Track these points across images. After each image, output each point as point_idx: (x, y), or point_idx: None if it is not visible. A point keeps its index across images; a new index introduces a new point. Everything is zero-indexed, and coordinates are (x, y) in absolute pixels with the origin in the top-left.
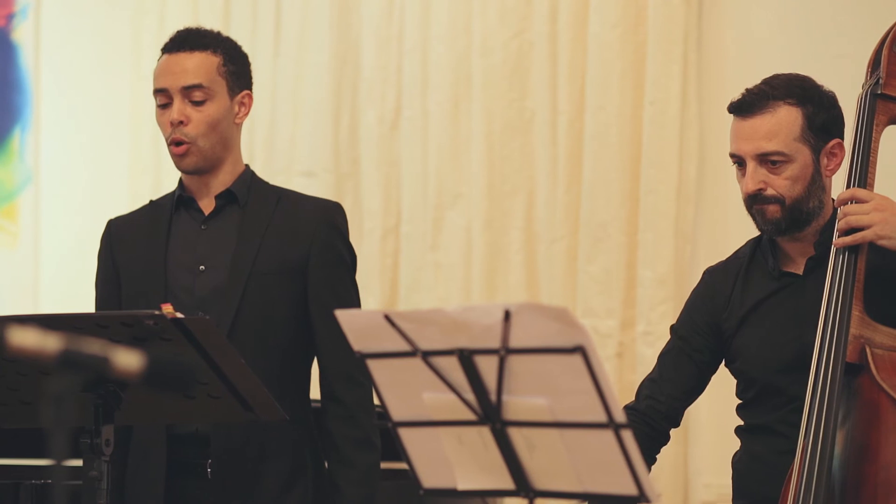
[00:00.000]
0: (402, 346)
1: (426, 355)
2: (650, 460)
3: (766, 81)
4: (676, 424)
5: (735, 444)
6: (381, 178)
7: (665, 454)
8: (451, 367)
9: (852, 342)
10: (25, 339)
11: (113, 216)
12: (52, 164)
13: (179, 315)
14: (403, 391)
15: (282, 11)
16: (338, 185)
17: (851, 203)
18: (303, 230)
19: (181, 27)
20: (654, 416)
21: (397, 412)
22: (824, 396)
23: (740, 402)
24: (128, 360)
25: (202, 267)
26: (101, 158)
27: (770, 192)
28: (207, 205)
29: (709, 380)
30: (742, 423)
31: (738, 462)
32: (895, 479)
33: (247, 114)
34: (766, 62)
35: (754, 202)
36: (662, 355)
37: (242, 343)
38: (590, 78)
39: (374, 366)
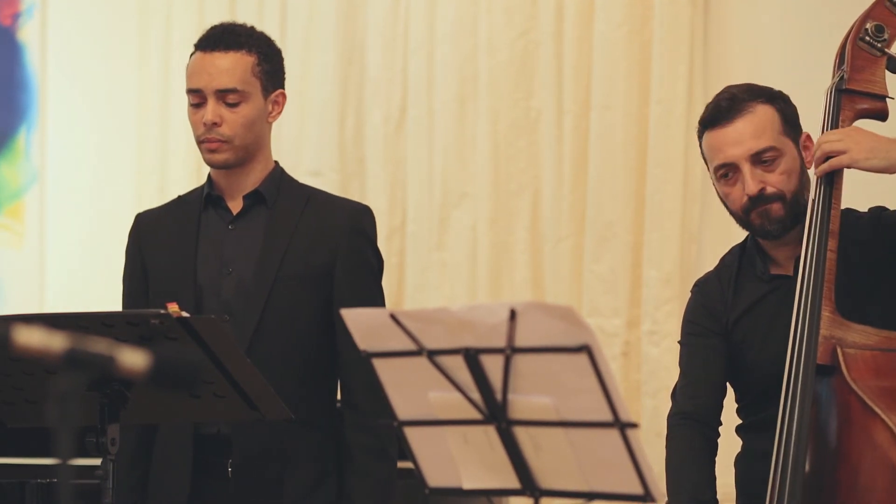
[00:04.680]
0: (408, 345)
1: (432, 354)
2: (714, 463)
3: (725, 91)
4: (721, 423)
5: (739, 443)
6: (386, 178)
7: None
8: (457, 366)
9: (823, 343)
10: (31, 338)
11: (119, 215)
12: (57, 163)
13: (185, 314)
14: (409, 390)
15: (287, 11)
16: (343, 184)
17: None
18: (330, 234)
19: (187, 26)
20: (705, 415)
21: (403, 411)
22: (796, 399)
23: (740, 404)
24: (133, 359)
25: (230, 269)
26: (107, 158)
27: (770, 189)
28: (235, 204)
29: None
30: (741, 422)
31: (740, 461)
32: (867, 481)
33: (280, 112)
34: (772, 61)
35: (756, 205)
36: (686, 363)
37: (267, 346)
38: (595, 77)
39: (380, 365)
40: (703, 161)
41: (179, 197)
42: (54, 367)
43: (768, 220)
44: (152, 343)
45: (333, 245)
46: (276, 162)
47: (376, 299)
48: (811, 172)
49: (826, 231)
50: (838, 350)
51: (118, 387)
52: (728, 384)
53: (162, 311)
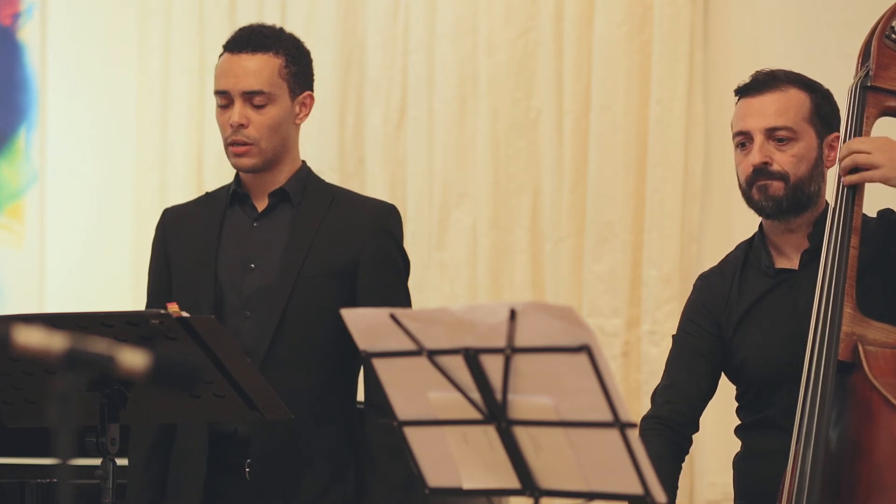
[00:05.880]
0: (408, 345)
1: (432, 354)
2: (677, 470)
3: (772, 69)
4: (697, 429)
5: (738, 444)
6: (386, 178)
7: None
8: (457, 366)
9: (844, 340)
10: (31, 338)
11: (119, 215)
12: (57, 163)
13: (185, 314)
14: (409, 390)
15: (287, 11)
16: (343, 184)
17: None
18: (354, 233)
19: (187, 26)
20: (678, 422)
21: (403, 411)
22: (816, 396)
23: (740, 403)
24: (133, 359)
25: (252, 265)
26: (107, 158)
27: (775, 167)
28: (261, 202)
29: (717, 383)
30: (741, 423)
31: (739, 461)
32: (888, 479)
33: (307, 114)
34: (772, 61)
35: (758, 177)
36: (672, 362)
37: (288, 344)
38: (595, 77)
39: (380, 365)
40: (703, 161)
41: (207, 193)
42: (54, 367)
43: (765, 196)
44: (152, 343)
45: (357, 244)
46: (303, 161)
47: (401, 299)
48: (830, 171)
49: (849, 227)
50: (859, 347)
51: (118, 387)
52: (725, 384)
53: (162, 311)
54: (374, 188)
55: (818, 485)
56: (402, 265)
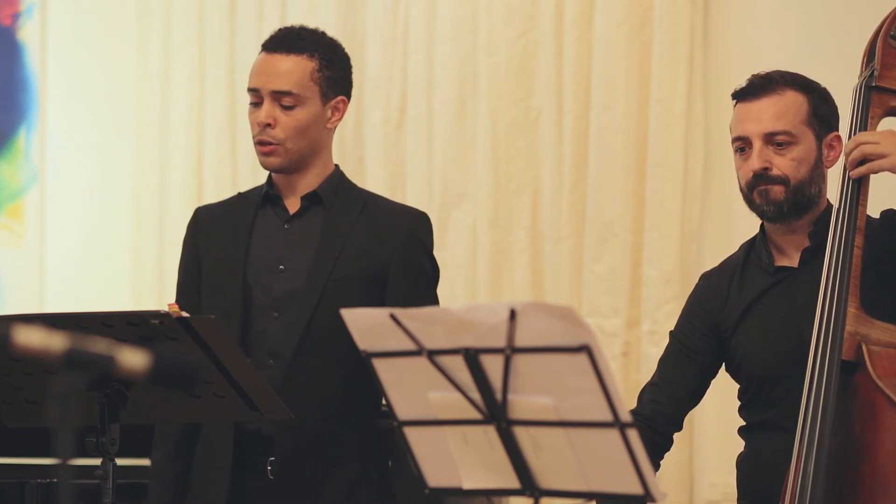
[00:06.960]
0: (408, 345)
1: (432, 354)
2: (654, 467)
3: (768, 72)
4: (679, 428)
5: (741, 442)
6: (386, 178)
7: (670, 452)
8: (457, 366)
9: (848, 339)
10: (31, 338)
11: (119, 215)
12: (57, 163)
13: (185, 314)
14: (409, 390)
15: (287, 11)
16: None
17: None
18: (384, 239)
19: (187, 27)
20: (659, 421)
21: (403, 411)
22: (819, 396)
23: (742, 402)
24: (133, 359)
25: (281, 266)
26: (107, 158)
27: (775, 171)
28: (293, 204)
29: (709, 383)
30: (744, 423)
31: (742, 461)
32: (891, 479)
33: (339, 119)
34: (772, 61)
35: (759, 182)
36: (663, 360)
37: (316, 345)
38: (595, 77)
39: (380, 365)
40: (703, 161)
41: (240, 193)
42: (54, 367)
43: (766, 201)
44: (152, 343)
45: (387, 249)
46: (336, 165)
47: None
48: (830, 171)
49: (853, 227)
50: (863, 347)
51: (118, 387)
52: (726, 384)
53: (162, 311)
54: (373, 188)
55: (821, 485)
56: (430, 272)
